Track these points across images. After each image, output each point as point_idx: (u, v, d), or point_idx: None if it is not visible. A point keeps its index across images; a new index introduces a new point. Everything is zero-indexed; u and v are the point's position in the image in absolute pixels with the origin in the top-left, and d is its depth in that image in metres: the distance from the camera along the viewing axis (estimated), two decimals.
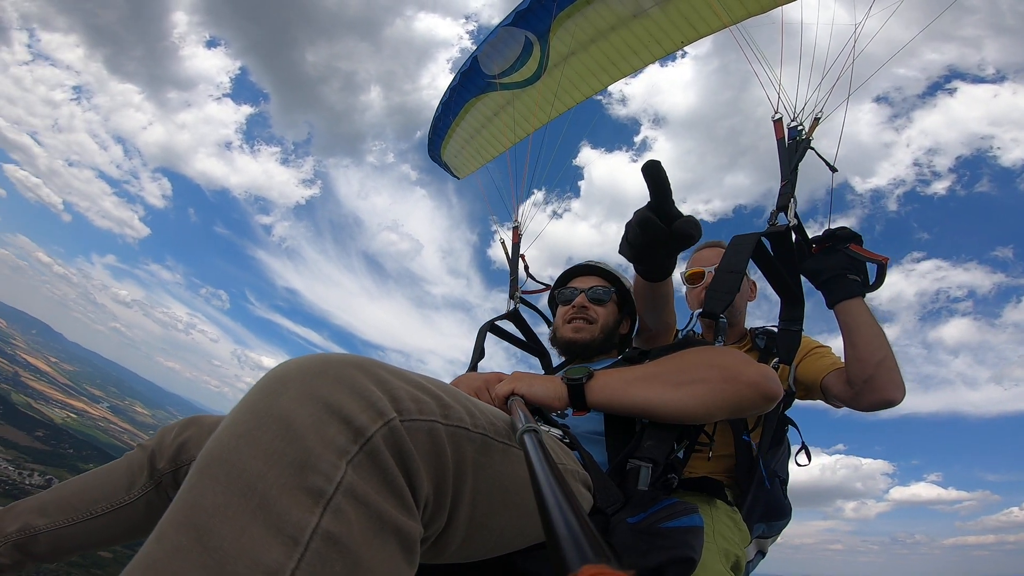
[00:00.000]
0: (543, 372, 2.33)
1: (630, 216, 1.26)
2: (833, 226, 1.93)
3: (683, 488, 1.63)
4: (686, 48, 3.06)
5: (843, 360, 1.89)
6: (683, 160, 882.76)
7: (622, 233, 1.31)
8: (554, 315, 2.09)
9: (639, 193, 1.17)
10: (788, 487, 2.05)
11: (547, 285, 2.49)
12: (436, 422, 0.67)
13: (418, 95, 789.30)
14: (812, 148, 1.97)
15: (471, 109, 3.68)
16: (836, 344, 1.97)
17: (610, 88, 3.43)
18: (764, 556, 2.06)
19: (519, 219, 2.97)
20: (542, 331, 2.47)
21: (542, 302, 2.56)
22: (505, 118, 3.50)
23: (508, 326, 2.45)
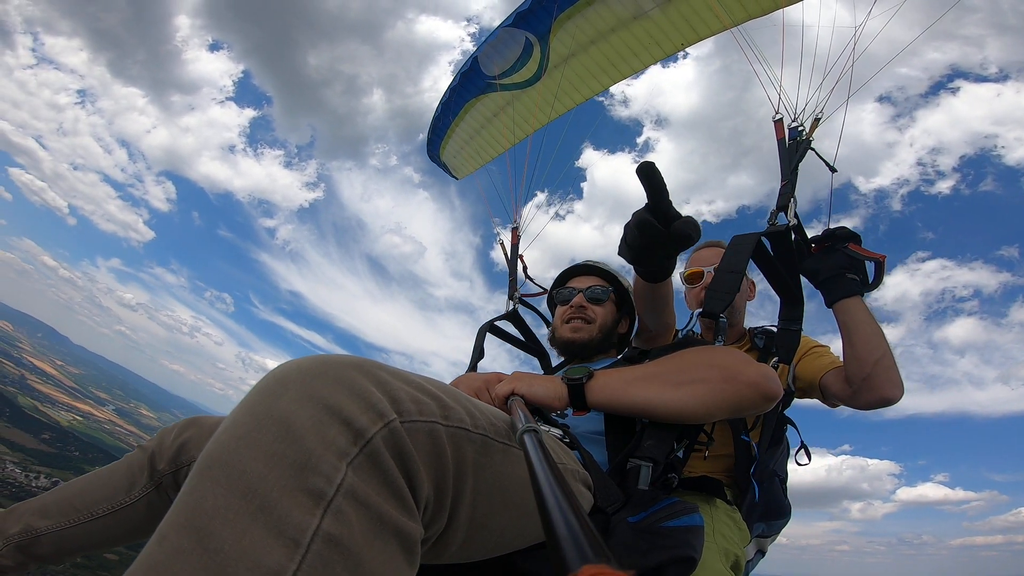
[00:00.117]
0: (543, 372, 2.33)
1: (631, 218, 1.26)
2: (834, 226, 1.93)
3: (683, 487, 1.63)
4: (687, 49, 3.06)
5: (842, 359, 1.89)
6: (686, 161, 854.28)
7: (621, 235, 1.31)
8: (553, 315, 2.09)
9: (642, 194, 1.17)
10: (792, 487, 2.05)
11: (545, 289, 2.50)
12: (436, 423, 0.67)
13: (420, 98, 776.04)
14: (812, 148, 1.97)
15: (471, 110, 3.67)
16: (837, 345, 1.97)
17: (612, 89, 3.43)
18: (764, 555, 2.06)
19: (519, 220, 2.97)
20: (542, 333, 2.48)
21: (542, 304, 2.57)
22: (505, 119, 3.50)
23: (507, 326, 2.46)
